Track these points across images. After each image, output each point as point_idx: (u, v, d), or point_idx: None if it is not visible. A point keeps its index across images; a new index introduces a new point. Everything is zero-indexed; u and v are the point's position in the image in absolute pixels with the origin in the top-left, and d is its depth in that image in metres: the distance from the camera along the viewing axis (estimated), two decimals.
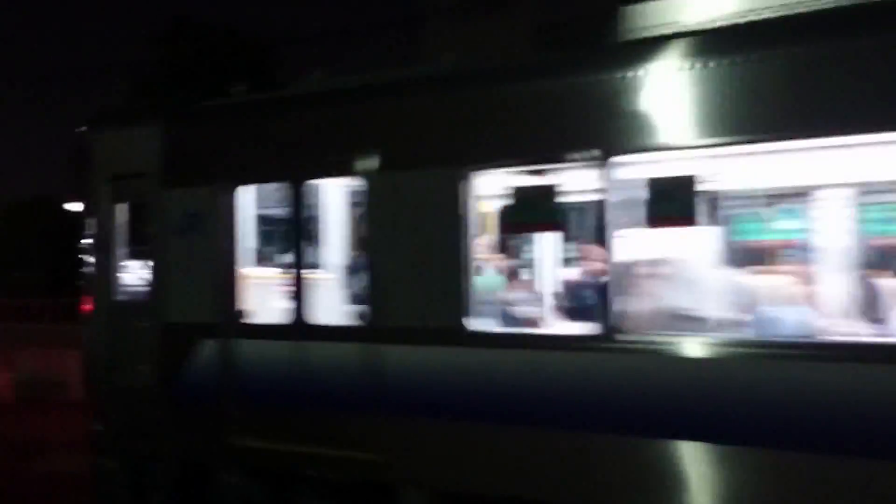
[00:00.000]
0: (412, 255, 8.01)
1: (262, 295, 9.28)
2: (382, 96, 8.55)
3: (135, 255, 10.31)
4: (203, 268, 9.30)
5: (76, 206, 11.15)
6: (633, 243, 7.44)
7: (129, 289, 10.21)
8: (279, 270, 9.26)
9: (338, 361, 8.42)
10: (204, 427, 9.28)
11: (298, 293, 8.75)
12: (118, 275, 10.15)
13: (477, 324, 7.77)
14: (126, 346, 9.87)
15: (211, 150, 9.45)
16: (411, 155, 8.11)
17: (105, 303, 10.09)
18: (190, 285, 9.36)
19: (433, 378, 7.91)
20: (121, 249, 10.24)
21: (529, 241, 10.31)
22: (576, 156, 7.34)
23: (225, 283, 9.16)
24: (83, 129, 10.52)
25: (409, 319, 8.00)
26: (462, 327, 7.74)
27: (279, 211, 9.23)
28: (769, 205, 8.92)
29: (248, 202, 9.45)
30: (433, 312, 7.87)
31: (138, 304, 9.83)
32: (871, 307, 7.88)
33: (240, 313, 9.11)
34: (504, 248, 9.77)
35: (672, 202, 7.03)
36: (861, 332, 7.39)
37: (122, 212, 10.15)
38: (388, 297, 8.11)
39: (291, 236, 9.05)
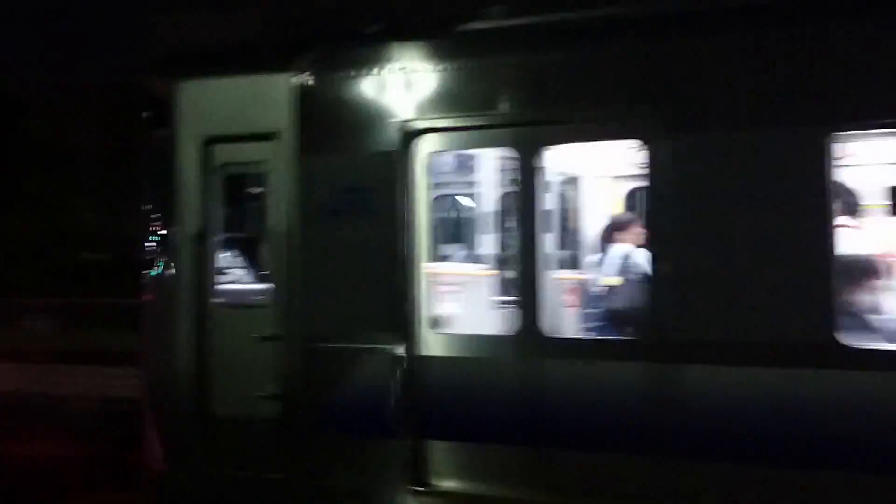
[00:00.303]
0: (742, 243, 6.37)
1: (461, 297, 7.81)
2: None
3: (237, 245, 8.53)
4: (368, 261, 7.35)
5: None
6: None
7: (233, 289, 8.27)
8: (487, 266, 7.99)
9: (606, 385, 6.69)
10: (373, 465, 7.37)
11: (530, 296, 6.97)
12: (214, 270, 8.04)
13: (852, 339, 6.14)
14: (230, 365, 7.81)
15: (387, 104, 7.36)
16: (750, 110, 6.40)
17: (191, 306, 7.94)
18: (346, 284, 7.40)
19: (784, 411, 6.20)
20: (218, 236, 8.07)
21: None
22: None
23: (405, 281, 7.24)
24: (154, 73, 8.36)
25: (737, 331, 6.35)
26: (833, 342, 6.08)
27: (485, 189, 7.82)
28: None
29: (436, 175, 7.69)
30: (781, 322, 6.24)
31: (251, 310, 7.88)
32: None
33: (433, 321, 7.32)
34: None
35: None
36: None
37: (220, 186, 8.04)
38: (698, 302, 6.47)
39: (517, 221, 7.13)
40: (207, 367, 7.82)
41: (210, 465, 7.82)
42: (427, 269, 7.33)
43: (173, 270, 8.06)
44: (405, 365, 7.20)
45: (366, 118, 7.42)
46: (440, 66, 7.25)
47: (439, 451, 7.16)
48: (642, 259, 7.59)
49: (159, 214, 8.28)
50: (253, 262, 8.61)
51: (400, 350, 7.20)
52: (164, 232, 8.19)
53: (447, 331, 7.46)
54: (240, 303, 8.00)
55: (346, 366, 7.35)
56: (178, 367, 7.92)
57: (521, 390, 6.89)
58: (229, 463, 7.74)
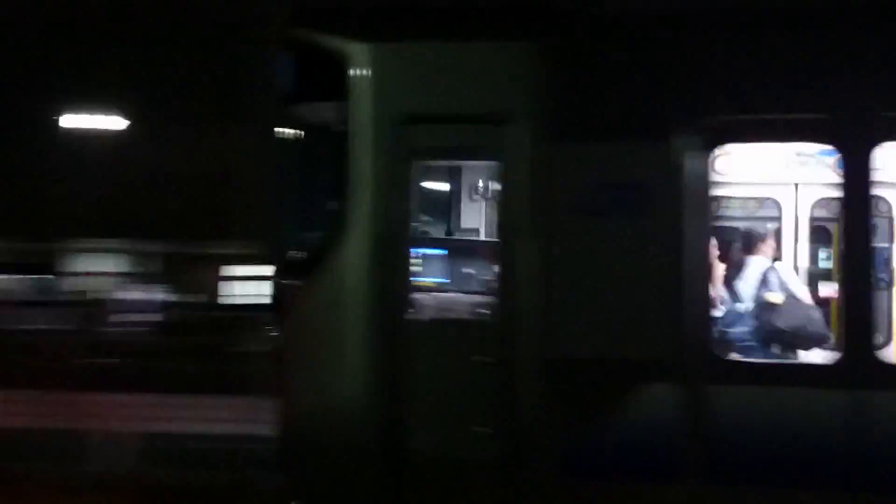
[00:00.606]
0: None
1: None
2: None
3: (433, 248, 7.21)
4: (646, 271, 6.25)
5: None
6: None
7: (436, 301, 6.97)
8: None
9: None
10: None
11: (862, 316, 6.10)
12: (408, 278, 6.82)
13: None
14: (432, 393, 6.53)
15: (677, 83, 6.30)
16: None
17: (373, 321, 6.58)
18: (613, 298, 6.29)
19: None
20: (411, 237, 6.92)
21: None
22: None
23: (698, 296, 6.24)
24: (318, 29, 6.88)
25: None
26: None
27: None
28: None
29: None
30: None
31: (461, 326, 6.67)
32: None
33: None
34: None
35: None
36: None
37: (420, 174, 7.00)
38: None
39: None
40: (399, 396, 6.54)
41: None
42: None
43: (339, 277, 6.68)
44: (696, 396, 6.11)
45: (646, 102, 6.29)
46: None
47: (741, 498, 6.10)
48: (787, 274, 7.08)
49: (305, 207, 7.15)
50: (457, 268, 7.36)
51: (687, 380, 6.16)
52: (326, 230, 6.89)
53: (750, 358, 6.61)
54: (445, 318, 6.81)
55: (611, 396, 6.21)
56: (349, 395, 6.59)
57: (849, 426, 5.96)
58: None
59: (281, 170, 7.37)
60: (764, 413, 6.05)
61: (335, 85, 6.69)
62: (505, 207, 6.54)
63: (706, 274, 6.33)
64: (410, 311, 6.65)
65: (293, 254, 7.02)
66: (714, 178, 6.36)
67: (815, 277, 7.57)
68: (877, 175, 6.19)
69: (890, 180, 7.38)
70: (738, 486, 6.11)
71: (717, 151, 6.36)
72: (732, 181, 7.38)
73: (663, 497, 6.14)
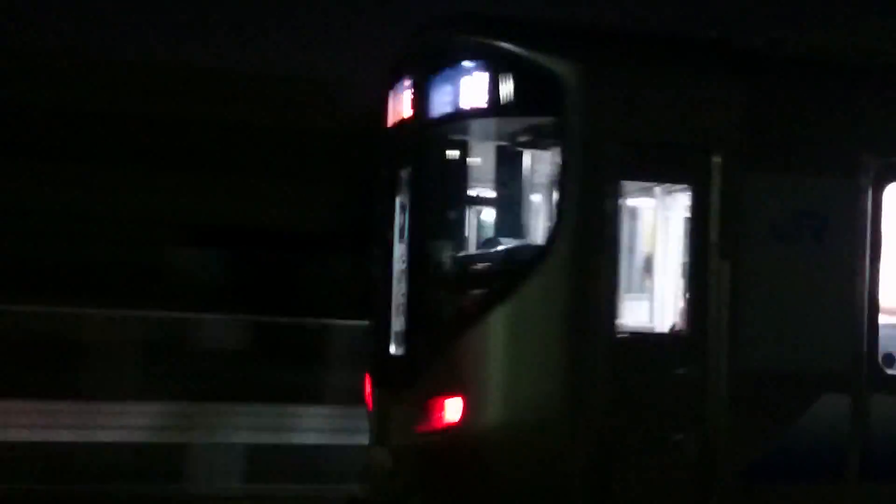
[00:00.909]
0: None
1: None
2: None
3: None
4: (820, 291, 6.74)
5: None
6: None
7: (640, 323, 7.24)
8: None
9: None
10: None
11: None
12: (618, 299, 6.96)
13: None
14: (637, 405, 6.76)
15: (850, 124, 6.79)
16: None
17: (585, 333, 6.73)
18: (797, 316, 6.75)
19: None
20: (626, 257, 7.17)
21: None
22: None
23: (870, 316, 6.79)
24: (552, 64, 6.85)
25: None
26: None
27: None
28: None
29: None
30: None
31: (668, 343, 6.95)
32: None
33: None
34: None
35: None
36: None
37: (634, 197, 7.30)
38: None
39: None
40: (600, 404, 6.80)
41: None
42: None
43: (548, 288, 6.81)
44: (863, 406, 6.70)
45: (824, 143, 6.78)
46: None
47: None
48: None
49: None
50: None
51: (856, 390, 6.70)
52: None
53: None
54: (647, 331, 7.18)
55: (793, 405, 6.70)
56: (552, 405, 6.72)
57: None
58: None
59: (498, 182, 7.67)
60: None
61: (555, 104, 6.74)
62: (702, 229, 6.80)
63: (877, 297, 6.78)
64: (615, 328, 6.83)
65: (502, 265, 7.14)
66: (890, 210, 6.75)
67: None
68: None
69: None
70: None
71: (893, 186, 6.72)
72: None
73: (833, 495, 6.54)
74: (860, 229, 6.66)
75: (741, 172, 6.73)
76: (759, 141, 6.81)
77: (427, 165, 7.26)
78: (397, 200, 7.64)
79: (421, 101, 7.19)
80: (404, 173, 7.48)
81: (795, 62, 6.89)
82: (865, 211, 6.71)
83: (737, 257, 6.68)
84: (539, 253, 6.88)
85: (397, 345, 7.44)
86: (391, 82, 7.75)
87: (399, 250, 7.48)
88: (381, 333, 7.64)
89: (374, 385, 7.84)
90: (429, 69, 7.18)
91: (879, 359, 6.76)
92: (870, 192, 6.72)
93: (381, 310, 7.69)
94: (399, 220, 7.56)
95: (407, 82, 7.43)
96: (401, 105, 7.49)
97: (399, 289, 7.43)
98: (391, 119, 7.77)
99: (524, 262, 6.86)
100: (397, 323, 7.44)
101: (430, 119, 7.17)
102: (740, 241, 6.72)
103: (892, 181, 6.88)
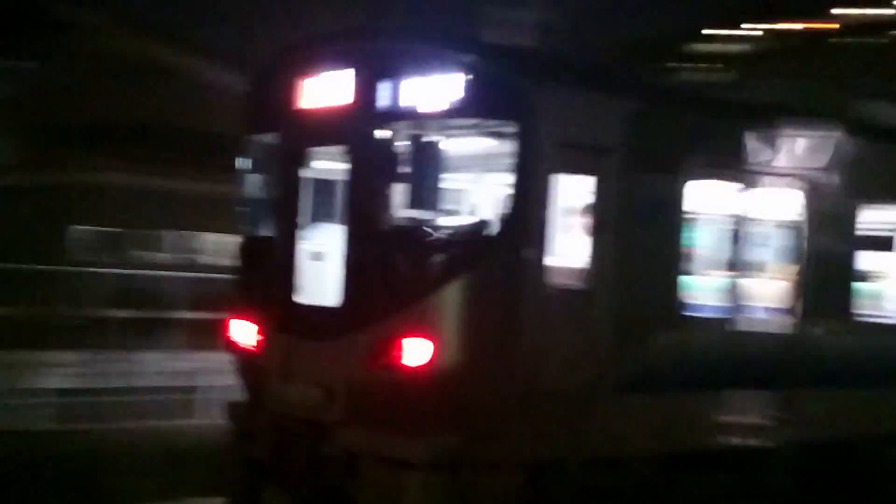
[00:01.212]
0: None
1: None
2: None
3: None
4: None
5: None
6: None
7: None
8: None
9: None
10: None
11: None
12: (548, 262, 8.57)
13: None
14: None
15: None
16: None
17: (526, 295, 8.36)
18: (647, 273, 9.21)
19: None
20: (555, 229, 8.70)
21: None
22: None
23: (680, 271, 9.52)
24: (511, 77, 8.52)
25: None
26: None
27: None
28: None
29: None
30: None
31: (576, 296, 8.74)
32: None
33: None
34: None
35: None
36: None
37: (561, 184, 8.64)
38: None
39: None
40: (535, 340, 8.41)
41: None
42: None
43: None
44: None
45: None
46: None
47: None
48: None
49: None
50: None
51: None
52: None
53: None
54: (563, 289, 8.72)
55: None
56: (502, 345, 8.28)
57: None
58: None
59: None
60: None
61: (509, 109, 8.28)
62: (602, 208, 8.78)
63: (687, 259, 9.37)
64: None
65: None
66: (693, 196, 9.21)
67: None
68: None
69: None
70: None
71: None
72: None
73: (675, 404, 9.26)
74: (678, 211, 9.22)
75: (626, 169, 8.80)
76: (638, 146, 8.87)
77: (380, 147, 8.52)
78: (306, 173, 9.05)
79: (379, 92, 8.43)
80: (343, 152, 8.79)
81: (662, 90, 8.95)
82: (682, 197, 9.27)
83: (620, 231, 8.80)
84: (501, 226, 8.41)
85: (319, 296, 8.71)
86: (311, 68, 8.99)
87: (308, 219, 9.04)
88: (284, 288, 8.95)
89: (274, 331, 9.04)
90: (388, 65, 8.46)
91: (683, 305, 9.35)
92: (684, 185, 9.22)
93: (281, 269, 8.98)
94: (308, 191, 9.08)
95: (350, 72, 8.62)
96: (335, 91, 8.74)
97: (309, 249, 8.94)
98: (307, 102, 9.01)
99: (489, 234, 8.41)
100: (311, 278, 8.85)
101: (385, 109, 8.43)
102: (622, 218, 8.79)
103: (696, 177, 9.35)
